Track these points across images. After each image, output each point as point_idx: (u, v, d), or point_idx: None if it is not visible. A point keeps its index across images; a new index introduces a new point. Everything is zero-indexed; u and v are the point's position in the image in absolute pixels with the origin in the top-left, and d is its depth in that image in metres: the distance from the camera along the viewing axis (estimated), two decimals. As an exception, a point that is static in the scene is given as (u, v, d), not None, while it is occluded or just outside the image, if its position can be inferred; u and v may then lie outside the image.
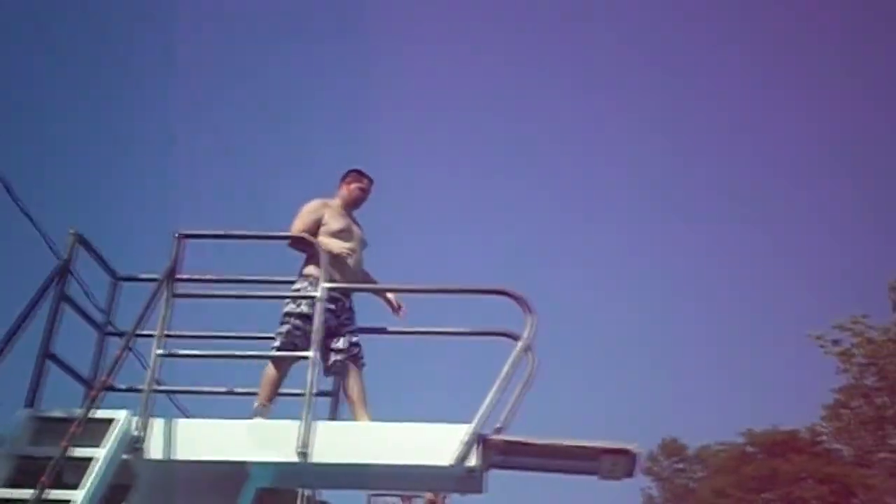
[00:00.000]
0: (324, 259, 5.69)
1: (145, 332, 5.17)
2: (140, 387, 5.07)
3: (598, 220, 71.73)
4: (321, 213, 6.23)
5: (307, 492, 10.58)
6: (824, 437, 37.82)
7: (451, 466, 4.90)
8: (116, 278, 5.79)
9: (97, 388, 4.93)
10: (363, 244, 6.35)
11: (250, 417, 5.44)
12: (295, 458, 4.87)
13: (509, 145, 72.66)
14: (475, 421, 4.98)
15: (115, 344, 5.47)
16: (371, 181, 6.61)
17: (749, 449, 43.57)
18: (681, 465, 48.50)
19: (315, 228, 6.11)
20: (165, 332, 5.17)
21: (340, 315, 5.92)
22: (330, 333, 5.74)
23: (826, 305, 58.90)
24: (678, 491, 47.24)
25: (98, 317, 5.80)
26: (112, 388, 5.16)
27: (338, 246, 6.04)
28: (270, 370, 5.67)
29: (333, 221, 6.21)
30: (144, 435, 4.91)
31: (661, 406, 64.20)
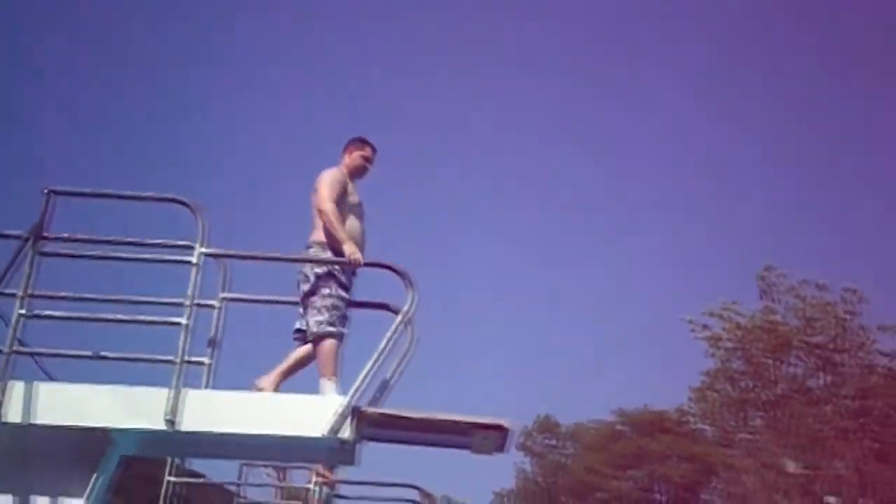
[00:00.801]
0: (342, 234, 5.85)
1: (8, 292, 4.94)
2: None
3: (471, 208, 72.50)
4: (345, 183, 6.22)
5: (177, 461, 10.34)
6: (690, 418, 39.29)
7: (324, 438, 4.88)
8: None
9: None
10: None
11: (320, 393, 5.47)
12: (162, 426, 4.75)
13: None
14: (350, 393, 4.97)
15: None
16: (375, 150, 6.53)
17: (620, 427, 45.05)
18: (554, 442, 49.67)
19: (343, 199, 6.12)
20: (30, 293, 4.95)
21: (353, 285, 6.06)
22: (349, 304, 5.93)
23: (701, 291, 61.20)
24: (550, 467, 48.43)
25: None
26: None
27: (356, 223, 6.14)
28: (330, 347, 5.72)
29: (352, 195, 6.25)
30: (3, 398, 4.72)
31: (539, 384, 65.76)
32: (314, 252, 6.01)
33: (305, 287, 5.91)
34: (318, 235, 6.06)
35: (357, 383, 4.99)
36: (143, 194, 5.50)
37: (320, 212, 6.04)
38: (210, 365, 5.53)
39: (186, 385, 4.96)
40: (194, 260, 5.19)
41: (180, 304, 5.07)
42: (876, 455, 27.18)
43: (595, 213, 70.67)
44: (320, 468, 10.50)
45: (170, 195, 5.33)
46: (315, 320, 5.79)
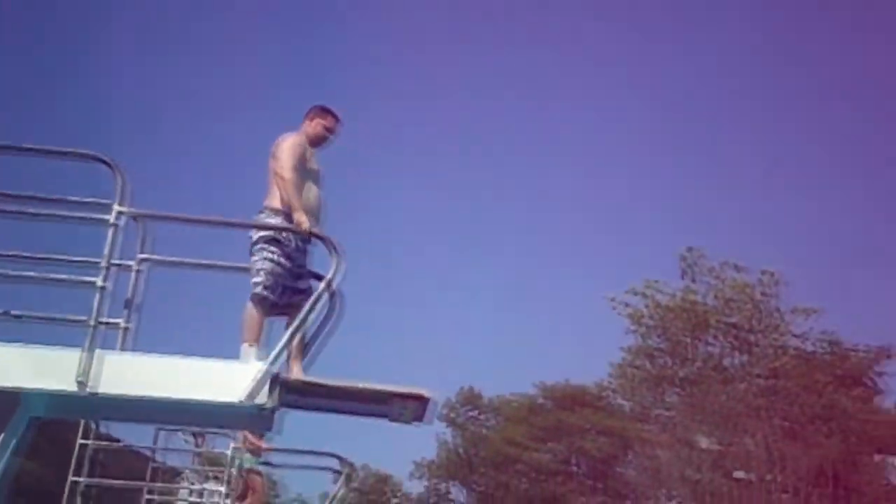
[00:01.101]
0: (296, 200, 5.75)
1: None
2: None
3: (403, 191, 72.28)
4: (304, 149, 6.07)
5: (93, 425, 10.14)
6: (610, 393, 40.07)
7: (242, 404, 4.81)
8: None
9: None
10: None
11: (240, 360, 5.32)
12: (73, 388, 4.63)
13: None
14: (269, 359, 4.91)
15: None
16: (338, 121, 6.34)
17: (541, 401, 45.69)
18: (476, 414, 50.15)
19: (302, 166, 5.97)
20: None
21: (306, 255, 5.91)
22: (297, 275, 5.79)
23: (627, 269, 62.19)
24: (472, 438, 48.91)
25: None
26: None
27: (315, 191, 6.02)
28: (254, 312, 5.62)
29: (311, 161, 6.11)
30: None
31: (466, 357, 66.26)
32: (264, 217, 5.91)
33: (252, 248, 5.84)
34: (272, 201, 5.95)
35: (277, 349, 4.93)
36: (62, 149, 5.32)
37: (278, 177, 5.91)
38: (126, 328, 5.39)
39: (103, 348, 4.84)
40: (112, 219, 5.04)
41: (97, 265, 4.93)
42: (785, 433, 28.16)
43: (522, 189, 71.15)
44: (249, 435, 10.43)
45: (89, 152, 5.16)
46: (252, 281, 5.72)
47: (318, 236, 5.25)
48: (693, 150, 65.74)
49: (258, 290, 5.70)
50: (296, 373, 5.48)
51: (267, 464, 11.57)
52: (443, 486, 49.81)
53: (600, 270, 58.82)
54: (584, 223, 66.97)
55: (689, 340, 32.57)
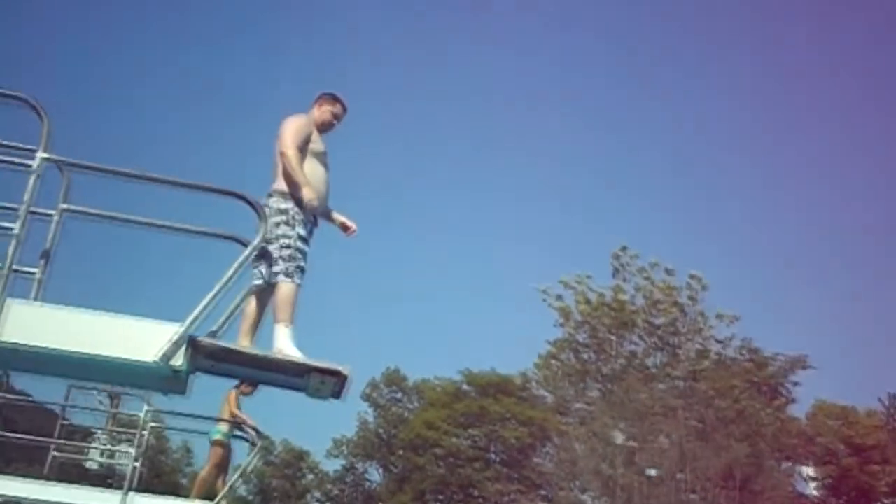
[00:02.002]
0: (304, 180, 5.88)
1: None
2: None
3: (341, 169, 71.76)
4: (310, 130, 6.16)
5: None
6: (533, 384, 40.47)
7: (155, 364, 4.71)
8: None
9: None
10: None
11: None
12: (-20, 336, 4.48)
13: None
14: (187, 321, 4.79)
15: None
16: (345, 109, 6.51)
17: (465, 387, 45.93)
18: (399, 396, 50.17)
19: (305, 145, 6.05)
20: None
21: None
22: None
23: (563, 265, 62.75)
24: (392, 419, 48.93)
25: None
26: None
27: (321, 171, 6.13)
28: (292, 293, 5.77)
29: (317, 142, 6.19)
30: None
31: (394, 340, 66.24)
32: (273, 201, 5.94)
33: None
34: (280, 184, 6.00)
35: (196, 312, 4.81)
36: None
37: (282, 155, 5.97)
38: (41, 279, 5.23)
39: (13, 296, 4.69)
40: (35, 165, 4.88)
41: (14, 211, 4.77)
42: (698, 434, 28.79)
43: (457, 175, 71.23)
44: (244, 386, 10.38)
45: (12, 92, 4.97)
46: (275, 269, 5.81)
47: (246, 199, 5.11)
48: (632, 151, 66.64)
49: (292, 272, 5.82)
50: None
51: (172, 429, 11.39)
52: (360, 465, 49.78)
53: (535, 260, 59.32)
54: (522, 212, 67.41)
55: (614, 338, 33.08)
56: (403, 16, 75.10)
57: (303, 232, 5.95)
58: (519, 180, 69.81)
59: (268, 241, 5.81)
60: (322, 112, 6.42)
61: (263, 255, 5.82)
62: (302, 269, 5.93)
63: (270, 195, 6.00)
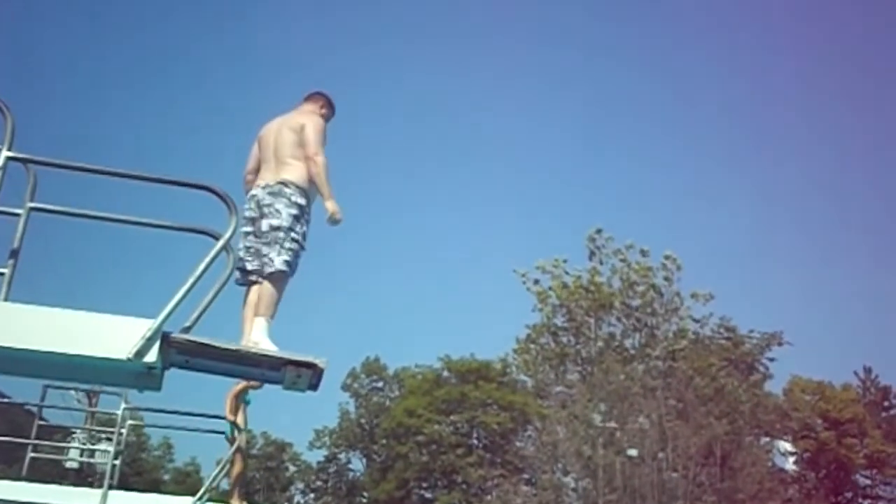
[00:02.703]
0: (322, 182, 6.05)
1: None
2: None
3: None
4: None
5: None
6: (513, 369, 40.58)
7: (129, 360, 4.67)
8: None
9: None
10: None
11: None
12: (-52, 337, 4.42)
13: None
14: (160, 317, 4.75)
15: None
16: (333, 112, 6.71)
17: (445, 374, 46.01)
18: (380, 384, 50.19)
19: None
20: None
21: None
22: None
23: (541, 248, 62.93)
24: (373, 408, 48.97)
25: None
26: None
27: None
28: (277, 288, 5.80)
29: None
30: None
31: (373, 329, 66.19)
32: (289, 192, 5.98)
33: (274, 222, 5.91)
34: (298, 176, 6.06)
35: (169, 307, 4.77)
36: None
37: (310, 160, 6.04)
38: (9, 277, 5.16)
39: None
40: (0, 163, 4.83)
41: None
42: (678, 413, 29.01)
43: (435, 159, 71.14)
44: (253, 383, 10.30)
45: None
46: (281, 258, 5.83)
47: (216, 192, 5.06)
48: (611, 133, 66.84)
49: (284, 267, 5.84)
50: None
51: (152, 425, 11.33)
52: (342, 455, 49.80)
53: (511, 245, 59.44)
54: (498, 197, 67.44)
55: (592, 321, 33.21)
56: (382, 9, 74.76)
57: (307, 233, 6.06)
58: (494, 165, 69.85)
59: (275, 228, 5.90)
60: (324, 114, 6.54)
61: (268, 242, 5.91)
62: (296, 268, 5.97)
63: (285, 185, 6.02)
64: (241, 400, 10.81)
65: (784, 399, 39.53)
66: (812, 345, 59.41)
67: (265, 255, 5.90)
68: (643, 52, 68.31)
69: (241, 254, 5.98)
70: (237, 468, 10.66)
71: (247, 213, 6.07)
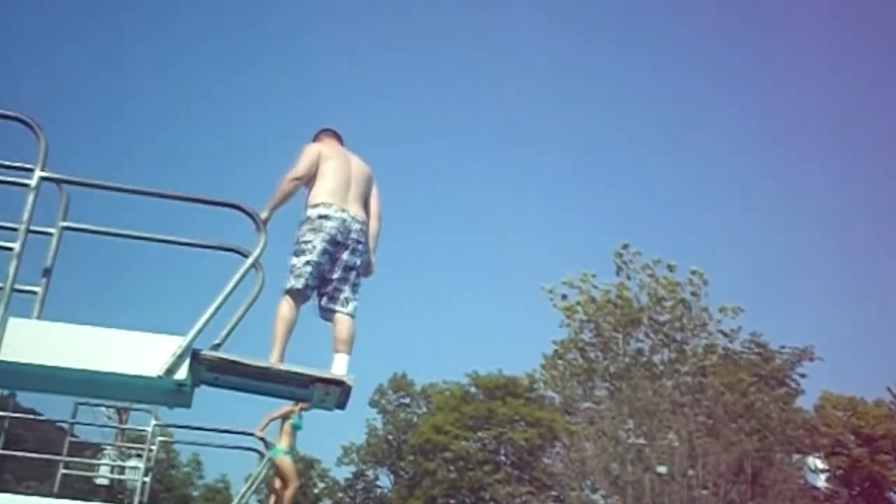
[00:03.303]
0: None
1: None
2: None
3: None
4: None
5: (8, 397, 9.88)
6: (540, 385, 40.39)
7: (159, 378, 4.70)
8: None
9: None
10: None
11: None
12: (-16, 356, 4.47)
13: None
14: (190, 334, 4.79)
15: None
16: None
17: (472, 390, 45.89)
18: (407, 400, 50.12)
19: None
20: None
21: None
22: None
23: (564, 260, 62.69)
24: (401, 424, 48.89)
25: None
26: None
27: None
28: (283, 313, 5.90)
29: None
30: None
31: (400, 344, 66.19)
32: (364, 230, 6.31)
33: (358, 262, 6.22)
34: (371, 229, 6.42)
35: (199, 325, 4.80)
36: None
37: (377, 218, 6.49)
38: (42, 296, 5.23)
39: (15, 315, 4.69)
40: (32, 184, 4.89)
41: (14, 230, 4.78)
42: (707, 430, 28.73)
43: (460, 174, 71.22)
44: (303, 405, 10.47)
45: (10, 112, 4.98)
46: (353, 305, 6.14)
47: (243, 210, 5.10)
48: (633, 150, 66.63)
49: (353, 313, 6.21)
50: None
51: (178, 442, 11.42)
52: (370, 471, 49.73)
53: (539, 260, 59.31)
54: (525, 212, 67.40)
55: (620, 336, 33.03)
56: (398, 13, 75.18)
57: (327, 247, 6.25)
58: (521, 181, 69.79)
59: (356, 269, 6.19)
60: None
61: (354, 285, 6.19)
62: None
63: (314, 205, 6.18)
64: (291, 425, 10.93)
65: (815, 415, 39.02)
66: (844, 360, 58.61)
67: (344, 293, 6.14)
68: (666, 63, 68.09)
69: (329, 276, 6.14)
70: (290, 490, 10.73)
71: (330, 229, 6.11)
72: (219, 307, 4.90)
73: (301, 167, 6.22)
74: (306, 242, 6.03)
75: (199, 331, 4.81)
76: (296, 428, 11.21)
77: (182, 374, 4.72)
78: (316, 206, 6.14)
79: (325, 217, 6.09)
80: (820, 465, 37.85)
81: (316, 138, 6.71)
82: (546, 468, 39.76)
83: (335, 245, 6.07)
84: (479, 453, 43.59)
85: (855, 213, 62.86)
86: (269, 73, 73.48)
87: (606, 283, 33.64)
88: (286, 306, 5.95)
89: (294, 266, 6.02)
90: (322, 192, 6.20)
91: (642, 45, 69.62)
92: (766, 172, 65.00)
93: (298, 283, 5.95)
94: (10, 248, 4.73)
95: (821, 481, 38.10)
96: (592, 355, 34.18)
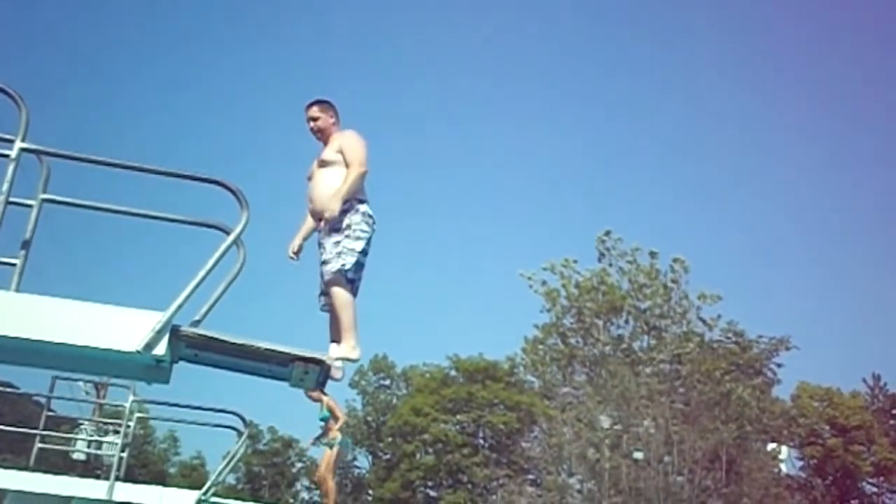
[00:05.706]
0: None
1: None
2: None
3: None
4: None
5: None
6: (521, 369, 40.52)
7: (137, 353, 4.68)
8: None
9: None
10: None
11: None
12: (-39, 327, 4.44)
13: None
14: (170, 310, 4.76)
15: None
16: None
17: (452, 373, 46.00)
18: (387, 382, 50.19)
19: None
20: None
21: None
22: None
23: (546, 246, 62.80)
24: (380, 406, 48.97)
25: None
26: None
27: None
28: (348, 297, 6.06)
29: None
30: None
31: (381, 326, 66.13)
32: (363, 208, 6.28)
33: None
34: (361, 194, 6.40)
35: (179, 300, 4.78)
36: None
37: (355, 170, 6.23)
38: (21, 268, 5.18)
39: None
40: (12, 154, 4.85)
41: (-8, 201, 4.74)
42: (684, 417, 28.94)
43: (444, 160, 71.12)
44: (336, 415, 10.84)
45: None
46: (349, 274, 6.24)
47: (226, 186, 5.07)
48: (615, 137, 66.73)
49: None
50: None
51: (159, 418, 11.41)
52: (349, 452, 49.80)
53: (521, 245, 59.39)
54: (507, 196, 67.40)
55: (600, 322, 33.14)
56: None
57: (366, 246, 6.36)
58: (503, 165, 69.78)
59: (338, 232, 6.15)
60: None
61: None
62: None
63: (361, 200, 6.25)
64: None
65: (791, 405, 39.38)
66: (820, 351, 59.19)
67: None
68: (650, 55, 68.14)
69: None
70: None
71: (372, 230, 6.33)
72: (199, 283, 4.87)
73: (366, 161, 6.35)
74: (364, 232, 6.21)
75: (179, 306, 4.78)
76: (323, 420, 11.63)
77: (161, 349, 4.69)
78: (363, 201, 6.32)
79: (373, 218, 6.32)
80: (795, 454, 38.25)
81: (337, 115, 6.75)
82: (524, 452, 39.96)
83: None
84: (457, 436, 43.74)
85: (833, 204, 63.32)
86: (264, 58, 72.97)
87: (589, 269, 33.76)
88: (346, 291, 6.12)
89: (352, 250, 6.14)
90: (364, 187, 6.40)
91: (623, 24, 69.56)
92: (744, 163, 65.27)
93: (349, 265, 6.12)
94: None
95: (795, 470, 38.53)
96: (573, 341, 34.30)
